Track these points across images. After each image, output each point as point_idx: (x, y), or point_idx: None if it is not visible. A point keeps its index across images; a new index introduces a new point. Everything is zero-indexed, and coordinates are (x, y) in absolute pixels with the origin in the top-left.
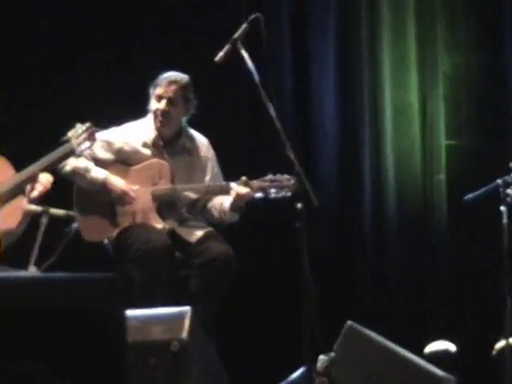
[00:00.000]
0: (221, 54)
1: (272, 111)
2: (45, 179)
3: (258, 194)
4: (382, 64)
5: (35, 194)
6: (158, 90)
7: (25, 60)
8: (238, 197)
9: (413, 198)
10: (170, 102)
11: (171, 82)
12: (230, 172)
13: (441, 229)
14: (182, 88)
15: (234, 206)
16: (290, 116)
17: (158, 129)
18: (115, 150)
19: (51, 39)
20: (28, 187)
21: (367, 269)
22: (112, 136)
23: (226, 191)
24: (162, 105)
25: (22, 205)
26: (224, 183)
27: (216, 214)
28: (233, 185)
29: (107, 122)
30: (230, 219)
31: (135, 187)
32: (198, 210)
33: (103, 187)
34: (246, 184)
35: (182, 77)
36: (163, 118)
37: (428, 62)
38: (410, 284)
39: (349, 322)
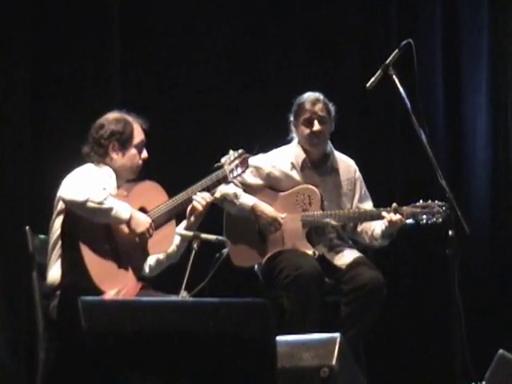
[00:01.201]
0: (372, 80)
1: (424, 138)
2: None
3: (409, 220)
4: None
5: (193, 218)
6: (305, 114)
7: (173, 86)
8: (391, 224)
9: None
10: (321, 121)
11: (315, 102)
12: (381, 198)
13: None
14: (325, 103)
15: (386, 234)
16: (441, 143)
17: (306, 151)
18: (264, 175)
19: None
20: (188, 209)
21: None
22: (260, 162)
23: (376, 217)
24: (316, 126)
25: (174, 230)
26: (375, 209)
27: (367, 239)
28: (384, 212)
29: (259, 148)
30: (380, 245)
31: (283, 214)
32: (348, 232)
33: (252, 213)
34: (396, 211)
35: (318, 94)
36: (319, 138)
37: None
38: None
39: (501, 351)
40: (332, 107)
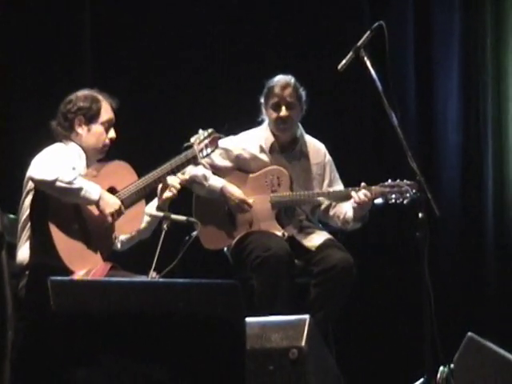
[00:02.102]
0: (344, 62)
1: (394, 120)
2: (175, 183)
3: (378, 200)
4: (506, 74)
5: (168, 194)
6: (274, 99)
7: (144, 67)
8: (359, 204)
9: None
10: (288, 106)
11: (284, 86)
12: (351, 180)
13: None
14: (295, 89)
15: (357, 216)
16: (412, 125)
17: (276, 135)
18: (233, 157)
19: (170, 47)
20: (159, 189)
21: (489, 279)
22: (230, 144)
23: (345, 197)
24: (283, 112)
25: (143, 210)
26: (343, 189)
27: (339, 222)
28: (353, 192)
29: (228, 128)
30: (352, 228)
31: (251, 200)
32: (320, 216)
33: (221, 195)
34: (365, 191)
35: (289, 78)
36: (286, 124)
37: None
38: None
39: (469, 334)
40: (303, 92)
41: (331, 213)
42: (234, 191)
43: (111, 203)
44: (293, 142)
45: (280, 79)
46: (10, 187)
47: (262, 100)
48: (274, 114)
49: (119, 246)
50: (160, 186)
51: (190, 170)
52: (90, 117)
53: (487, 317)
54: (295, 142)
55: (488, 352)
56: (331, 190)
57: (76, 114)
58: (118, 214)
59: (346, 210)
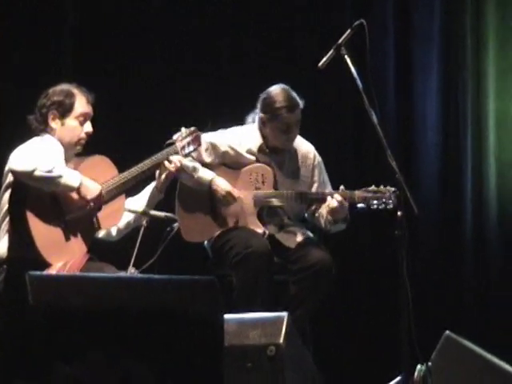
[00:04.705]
0: (324, 59)
1: (374, 118)
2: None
3: (360, 205)
4: (486, 73)
5: (163, 177)
6: (283, 124)
7: (129, 64)
8: (332, 211)
9: None
10: (297, 125)
11: (292, 109)
12: (331, 178)
13: None
14: (299, 104)
15: (335, 219)
16: (392, 123)
17: (265, 137)
18: (220, 153)
19: (155, 43)
20: (157, 172)
21: (468, 277)
22: (217, 139)
23: (321, 200)
24: (294, 132)
25: (123, 204)
26: (320, 192)
27: (323, 223)
28: (329, 198)
29: (211, 126)
30: (336, 230)
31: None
32: (308, 217)
33: (209, 187)
34: (338, 196)
35: (296, 96)
36: (292, 141)
37: None
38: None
39: (447, 332)
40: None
41: (317, 214)
42: (222, 183)
43: (92, 189)
44: None
45: (285, 99)
46: None
47: (262, 114)
48: (283, 136)
49: (114, 233)
50: (160, 168)
51: (181, 161)
52: (64, 111)
53: (465, 315)
54: None
55: (465, 350)
56: (315, 191)
57: (50, 109)
58: (99, 200)
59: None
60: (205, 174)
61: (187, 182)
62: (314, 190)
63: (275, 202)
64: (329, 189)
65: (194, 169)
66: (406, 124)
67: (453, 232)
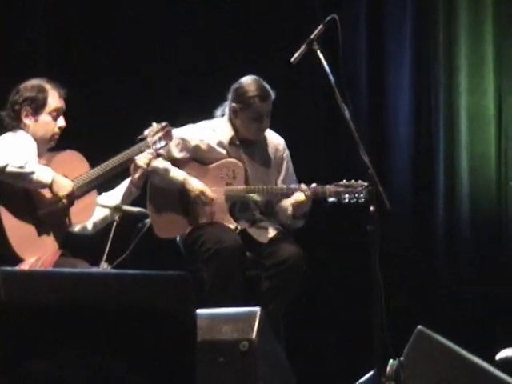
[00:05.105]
0: (296, 55)
1: (347, 113)
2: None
3: (332, 199)
4: (458, 68)
5: (137, 175)
6: (255, 112)
7: (101, 59)
8: (297, 204)
9: (487, 203)
10: (268, 115)
11: (264, 99)
12: (303, 173)
13: None
14: (271, 96)
15: (296, 214)
16: (364, 118)
17: (236, 129)
18: (191, 148)
19: (125, 39)
20: (131, 169)
21: (439, 273)
22: (188, 134)
23: (290, 195)
24: (265, 122)
25: (95, 200)
26: (292, 186)
27: (283, 218)
28: (297, 193)
29: (183, 121)
30: (294, 225)
31: (210, 188)
32: (270, 211)
33: (182, 188)
34: (306, 190)
35: (268, 87)
36: (264, 131)
37: (505, 67)
38: (483, 289)
39: (419, 327)
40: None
41: (276, 208)
42: (195, 183)
43: (64, 185)
44: None
45: (257, 88)
46: None
47: (234, 104)
48: (255, 125)
49: (90, 227)
50: (132, 166)
51: (151, 163)
52: (37, 107)
53: (437, 310)
54: None
55: (438, 345)
56: (284, 186)
57: (22, 105)
58: (71, 196)
59: (288, 205)
60: (176, 174)
61: (159, 184)
62: (279, 182)
63: (247, 196)
64: (294, 182)
65: (166, 169)
66: (379, 119)
67: (425, 227)
